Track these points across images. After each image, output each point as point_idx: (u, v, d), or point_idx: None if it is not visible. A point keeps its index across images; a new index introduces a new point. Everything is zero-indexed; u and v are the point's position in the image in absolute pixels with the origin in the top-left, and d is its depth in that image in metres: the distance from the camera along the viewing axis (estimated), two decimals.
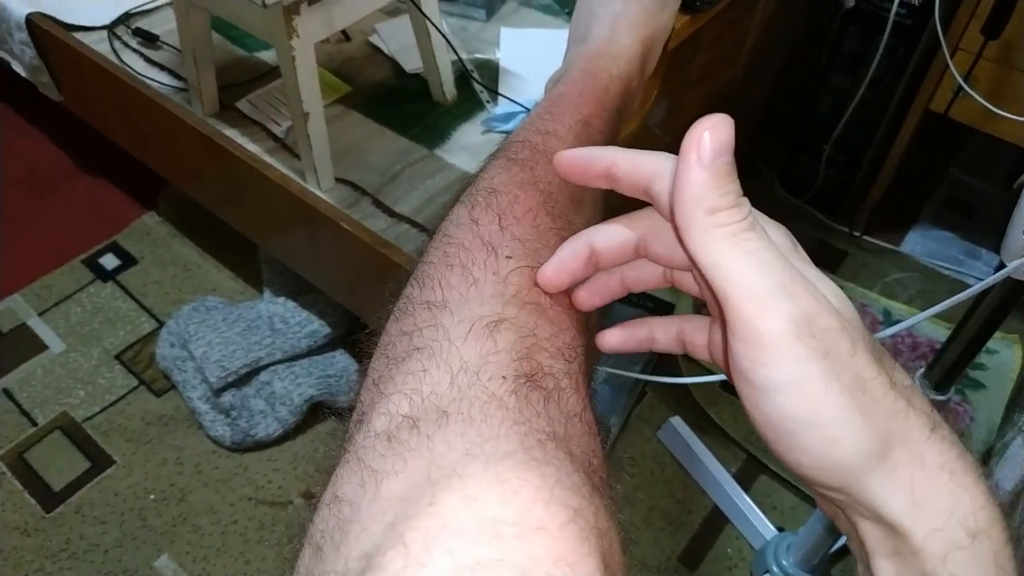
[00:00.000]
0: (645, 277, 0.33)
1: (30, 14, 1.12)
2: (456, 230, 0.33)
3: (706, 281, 0.27)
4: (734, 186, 0.26)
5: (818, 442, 0.25)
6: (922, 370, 0.77)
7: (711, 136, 0.25)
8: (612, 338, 0.34)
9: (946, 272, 1.43)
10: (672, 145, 0.31)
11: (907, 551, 0.26)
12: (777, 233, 0.29)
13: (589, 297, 0.33)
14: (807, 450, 0.26)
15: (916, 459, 0.26)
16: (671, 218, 0.27)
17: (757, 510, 1.09)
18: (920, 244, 1.48)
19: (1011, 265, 0.55)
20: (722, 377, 0.36)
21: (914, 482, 0.26)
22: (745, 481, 1.13)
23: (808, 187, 1.46)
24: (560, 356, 0.29)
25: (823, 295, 0.26)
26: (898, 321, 1.33)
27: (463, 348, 0.28)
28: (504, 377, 0.26)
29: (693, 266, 0.27)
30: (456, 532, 0.20)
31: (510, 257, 0.32)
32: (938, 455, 0.26)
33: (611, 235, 0.31)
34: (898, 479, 0.26)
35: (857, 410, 0.25)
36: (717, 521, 1.12)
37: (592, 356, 0.34)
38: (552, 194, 0.35)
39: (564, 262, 0.31)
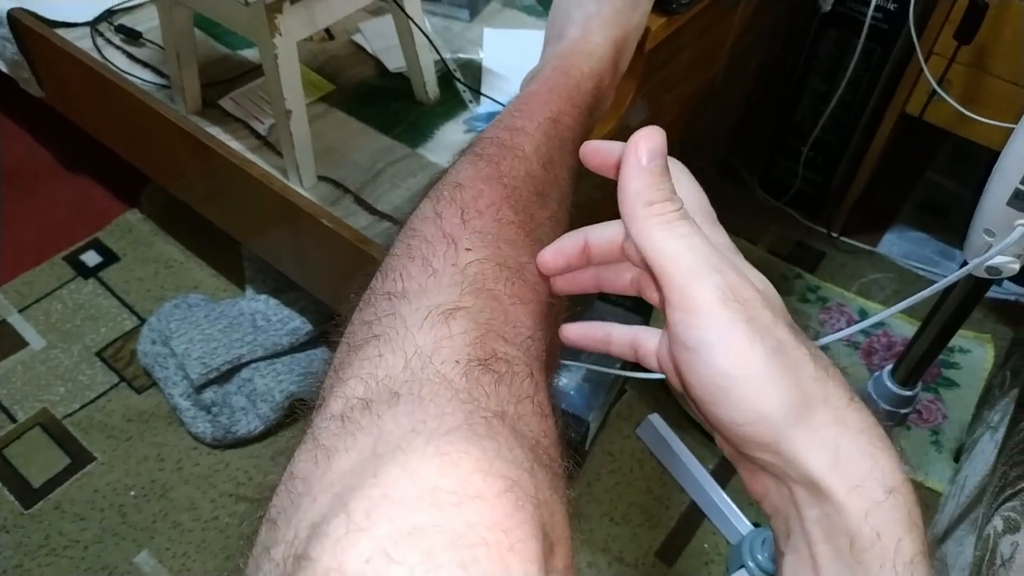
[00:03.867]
0: (617, 280, 0.36)
1: (12, 9, 1.12)
2: (420, 224, 0.35)
3: (647, 266, 0.30)
4: (668, 185, 0.31)
5: (745, 395, 0.28)
6: (890, 366, 0.79)
7: (645, 143, 0.31)
8: (572, 332, 0.38)
9: (921, 272, 1.45)
10: None
11: (832, 511, 0.28)
12: (718, 236, 0.34)
13: (564, 284, 0.36)
14: (737, 404, 0.28)
15: (839, 420, 0.28)
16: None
17: (733, 506, 1.10)
18: (896, 245, 1.50)
19: (972, 263, 0.56)
20: None
21: (837, 441, 0.28)
22: (722, 477, 1.14)
23: (786, 188, 1.48)
24: (515, 343, 0.30)
25: (746, 275, 0.30)
26: None
27: (418, 334, 0.29)
28: (457, 361, 0.28)
29: (636, 254, 0.31)
30: (397, 501, 0.21)
31: (470, 249, 0.33)
32: (858, 420, 0.29)
33: (603, 232, 0.35)
34: (821, 437, 0.28)
35: (781, 368, 0.28)
36: (694, 517, 1.13)
37: (554, 347, 0.35)
38: (516, 188, 0.37)
39: (563, 248, 0.35)
